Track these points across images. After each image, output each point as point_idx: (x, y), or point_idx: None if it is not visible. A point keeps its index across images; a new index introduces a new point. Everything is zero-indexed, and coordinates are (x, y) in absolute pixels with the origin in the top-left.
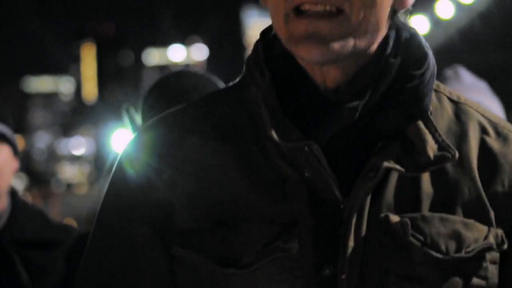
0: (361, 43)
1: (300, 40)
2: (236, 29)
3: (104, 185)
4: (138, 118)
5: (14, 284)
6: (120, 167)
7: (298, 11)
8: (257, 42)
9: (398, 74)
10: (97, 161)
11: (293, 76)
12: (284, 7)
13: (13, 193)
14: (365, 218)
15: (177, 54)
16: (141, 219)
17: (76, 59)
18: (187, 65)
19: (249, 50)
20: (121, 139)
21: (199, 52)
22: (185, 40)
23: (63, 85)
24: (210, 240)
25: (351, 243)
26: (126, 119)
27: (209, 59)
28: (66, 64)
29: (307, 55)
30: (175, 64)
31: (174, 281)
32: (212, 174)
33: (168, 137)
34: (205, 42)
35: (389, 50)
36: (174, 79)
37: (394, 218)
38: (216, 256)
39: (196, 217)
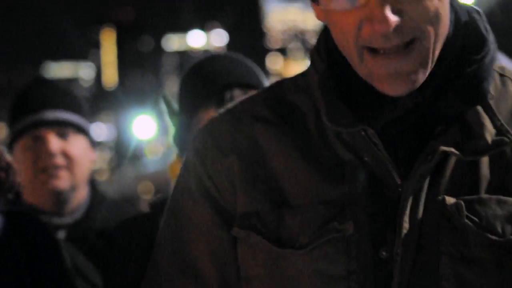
0: (436, 52)
1: (383, 79)
2: (255, 15)
3: (127, 171)
4: (175, 103)
5: (92, 274)
6: (188, 155)
7: (371, 48)
8: (321, 32)
9: (456, 59)
10: (118, 147)
11: (351, 66)
12: (355, 45)
13: (93, 183)
14: (422, 200)
15: (196, 39)
16: (205, 202)
17: (96, 45)
18: (206, 51)
19: (269, 35)
20: (142, 125)
21: (218, 38)
22: (204, 25)
23: (83, 71)
24: (269, 222)
25: (406, 225)
26: (163, 105)
27: (229, 45)
28: (86, 49)
29: (391, 91)
30: (195, 50)
31: (236, 260)
32: (273, 158)
33: (233, 125)
34: (225, 28)
35: (448, 36)
36: (208, 63)
37: (450, 200)
38: (273, 236)
39: (256, 199)
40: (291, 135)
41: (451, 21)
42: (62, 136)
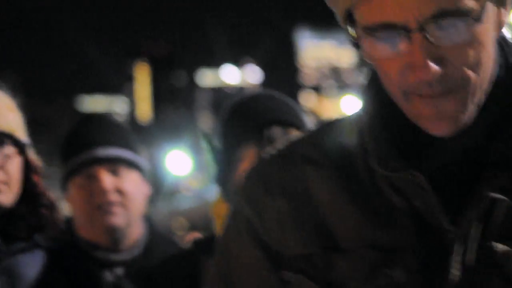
0: (478, 95)
1: (429, 119)
2: (289, 51)
3: (161, 206)
4: (217, 142)
5: None
6: (237, 196)
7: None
8: (371, 71)
9: (506, 101)
10: (151, 181)
11: (400, 111)
12: (399, 89)
13: (149, 220)
14: (472, 247)
15: (230, 75)
16: (254, 244)
17: (129, 79)
18: (241, 88)
19: (302, 72)
20: (176, 160)
21: (252, 74)
22: (238, 61)
23: (117, 105)
24: (318, 265)
25: (457, 273)
26: (204, 144)
27: (263, 82)
28: (120, 83)
29: (436, 131)
30: (229, 86)
31: None
32: (322, 201)
33: (282, 166)
34: (258, 64)
35: (497, 77)
36: (248, 101)
37: (501, 247)
38: (324, 281)
39: (305, 242)
40: (341, 177)
41: (500, 64)
42: (114, 172)
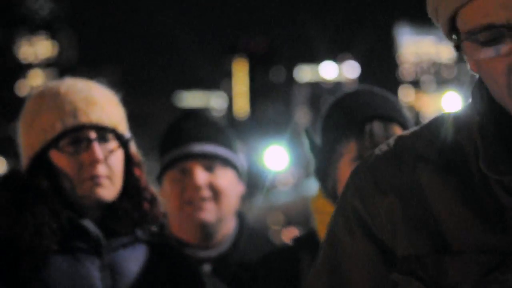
0: None
1: None
2: (388, 47)
3: (259, 202)
4: (317, 138)
5: None
6: (346, 191)
7: None
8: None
9: None
10: (248, 177)
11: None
12: (508, 92)
13: (241, 216)
14: None
15: (328, 71)
16: (365, 237)
17: (227, 75)
18: (338, 83)
19: (401, 68)
20: (274, 155)
21: (350, 69)
22: (336, 57)
23: (215, 100)
24: (429, 267)
25: None
26: (305, 140)
27: (361, 77)
28: (218, 79)
29: None
30: (327, 81)
31: None
32: (434, 200)
33: (393, 162)
34: (357, 59)
35: None
36: (349, 97)
37: None
38: (434, 283)
39: (415, 243)
40: (453, 176)
41: None
42: (209, 169)
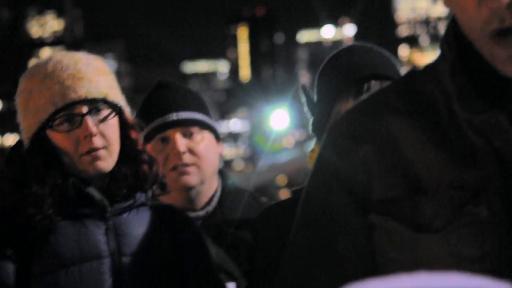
0: None
1: (507, 61)
2: (384, 4)
3: (264, 162)
4: (313, 95)
5: (227, 263)
6: (324, 146)
7: (498, 32)
8: (450, 20)
9: None
10: (251, 139)
11: (479, 53)
12: (481, 29)
13: (222, 175)
14: None
15: (328, 32)
16: (341, 189)
17: (231, 42)
18: (338, 41)
19: (399, 28)
20: (276, 118)
21: (349, 29)
22: (336, 21)
23: (220, 66)
24: (405, 207)
25: None
26: (302, 96)
27: (359, 35)
28: (222, 46)
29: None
30: (326, 40)
31: (371, 248)
32: (406, 146)
33: (367, 115)
34: (355, 18)
35: None
36: (346, 55)
37: None
38: (409, 221)
39: (391, 186)
40: (423, 123)
41: None
42: (188, 135)
